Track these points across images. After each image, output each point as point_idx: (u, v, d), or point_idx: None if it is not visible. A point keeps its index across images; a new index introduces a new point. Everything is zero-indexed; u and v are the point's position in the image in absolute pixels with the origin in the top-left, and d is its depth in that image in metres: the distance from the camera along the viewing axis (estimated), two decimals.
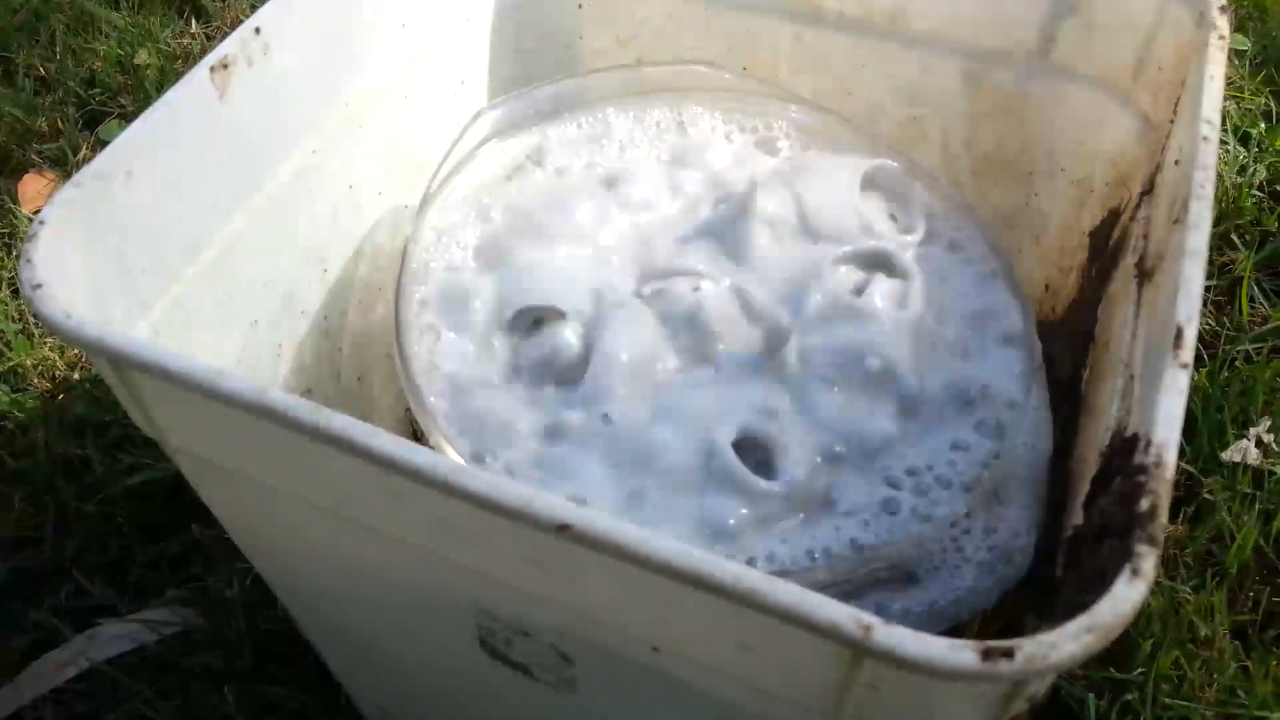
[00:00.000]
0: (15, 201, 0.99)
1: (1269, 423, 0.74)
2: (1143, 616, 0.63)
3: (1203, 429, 0.74)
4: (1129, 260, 0.46)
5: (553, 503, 0.29)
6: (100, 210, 0.40)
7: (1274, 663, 0.61)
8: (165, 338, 0.44)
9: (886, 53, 0.57)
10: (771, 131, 0.54)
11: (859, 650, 0.27)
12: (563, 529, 0.29)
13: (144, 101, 1.09)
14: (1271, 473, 0.71)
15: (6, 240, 0.96)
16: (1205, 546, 0.68)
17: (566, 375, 0.46)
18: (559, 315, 0.47)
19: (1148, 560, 0.28)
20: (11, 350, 0.86)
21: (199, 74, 0.44)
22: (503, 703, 0.46)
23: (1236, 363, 0.79)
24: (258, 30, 0.46)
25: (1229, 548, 0.67)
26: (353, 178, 0.55)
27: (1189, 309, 0.33)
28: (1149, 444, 0.30)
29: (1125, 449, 0.33)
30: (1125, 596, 0.27)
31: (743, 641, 0.31)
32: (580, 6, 0.63)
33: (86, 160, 1.04)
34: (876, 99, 0.59)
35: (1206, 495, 0.70)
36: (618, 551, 0.28)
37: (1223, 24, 0.44)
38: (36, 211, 0.98)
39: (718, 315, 0.46)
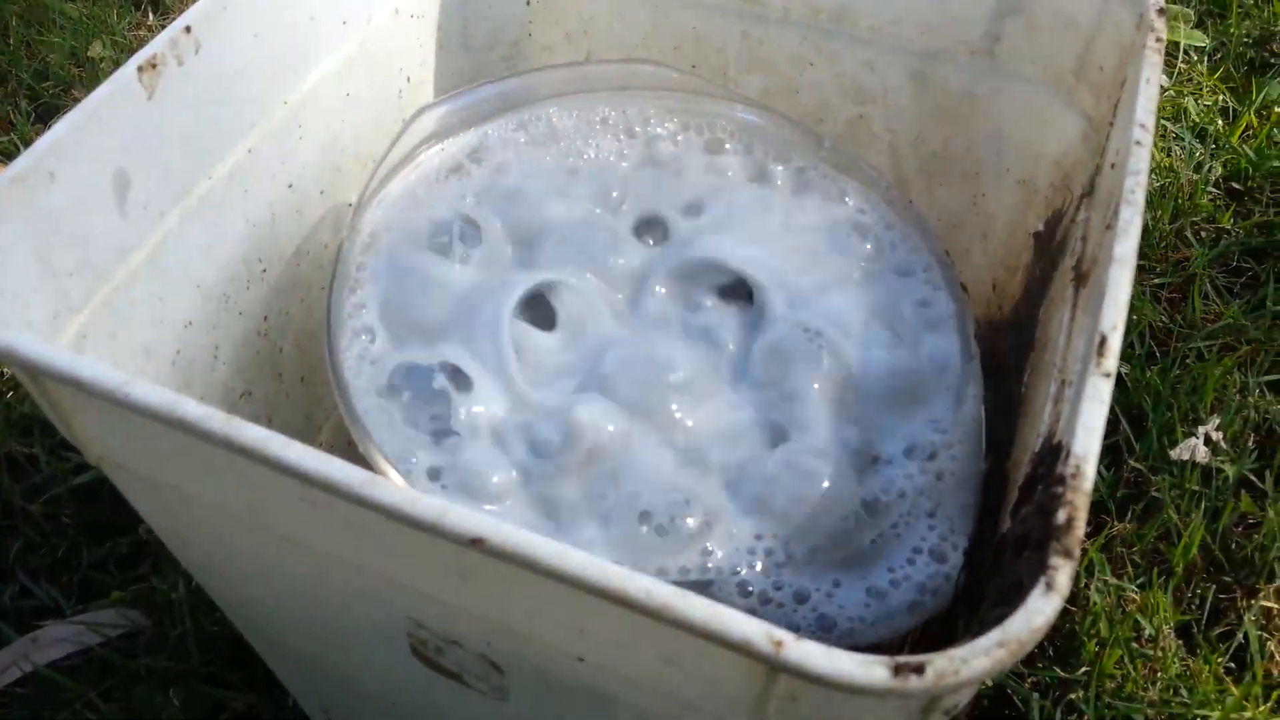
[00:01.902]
0: None
1: (1218, 420, 0.74)
2: (1088, 615, 0.64)
3: (1153, 427, 0.74)
4: (1068, 262, 0.46)
5: (466, 516, 0.29)
6: (21, 213, 0.40)
7: (1217, 660, 0.62)
8: (94, 340, 0.44)
9: (833, 51, 0.57)
10: (716, 134, 0.54)
11: (772, 665, 0.27)
12: (476, 542, 0.28)
13: None
14: (1219, 471, 0.72)
15: None
16: (1153, 544, 0.69)
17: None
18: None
19: (1063, 573, 0.28)
20: None
21: (126, 74, 0.43)
22: (440, 710, 0.46)
23: (1188, 360, 0.79)
24: (188, 29, 0.45)
25: (1175, 546, 0.67)
26: (293, 177, 0.54)
27: (1114, 317, 0.33)
28: (1069, 454, 0.30)
29: (1050, 457, 0.32)
30: (1038, 610, 0.27)
31: (664, 655, 0.30)
32: (528, 3, 0.62)
33: None
34: (823, 97, 0.59)
35: (1155, 494, 0.70)
36: (531, 564, 0.28)
37: (1160, 26, 0.44)
38: None
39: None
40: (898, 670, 0.26)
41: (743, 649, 0.27)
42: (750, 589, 0.41)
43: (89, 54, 1.13)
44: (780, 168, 0.52)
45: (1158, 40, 0.43)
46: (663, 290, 0.48)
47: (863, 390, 0.45)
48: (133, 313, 0.46)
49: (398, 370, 0.45)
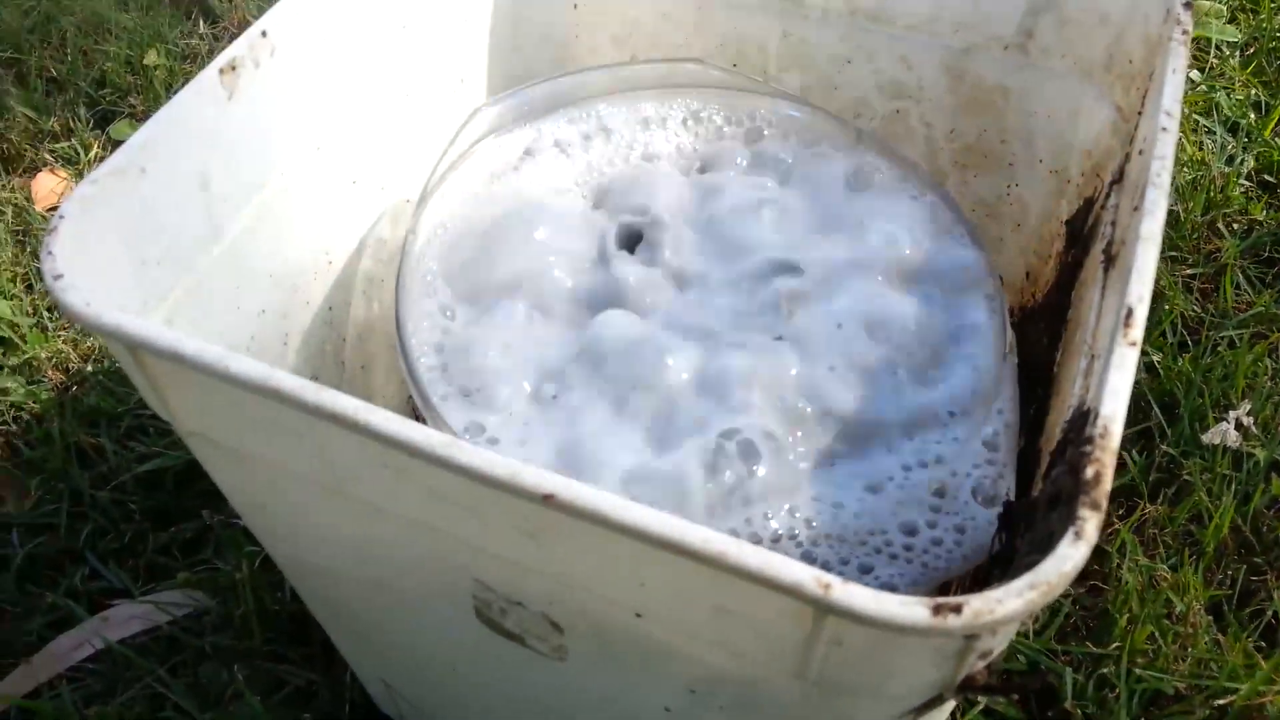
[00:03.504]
0: (30, 200, 1.02)
1: (1248, 406, 0.75)
2: (1120, 594, 0.65)
3: (1185, 412, 0.76)
4: (1099, 246, 0.48)
5: (539, 474, 0.31)
6: (116, 205, 0.43)
7: (1246, 637, 0.63)
8: (179, 326, 0.47)
9: (870, 49, 0.59)
10: (756, 122, 0.57)
11: (820, 607, 0.29)
12: (548, 498, 0.31)
13: (154, 101, 1.12)
14: (1250, 455, 0.73)
15: (21, 237, 0.99)
16: (1184, 526, 0.70)
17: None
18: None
19: (1090, 523, 0.30)
20: (26, 343, 0.88)
21: (209, 75, 0.46)
22: (499, 673, 0.48)
23: (1219, 348, 0.81)
24: (264, 33, 0.48)
25: (1206, 528, 0.69)
26: (355, 173, 0.57)
27: (1140, 290, 0.35)
28: (1096, 416, 0.32)
29: (1079, 423, 0.35)
30: (1067, 556, 0.29)
31: (718, 604, 0.33)
32: (575, 6, 0.65)
33: (98, 159, 1.07)
34: (861, 94, 0.61)
35: (1186, 477, 0.72)
36: (597, 518, 0.31)
37: (1186, 19, 0.46)
38: (50, 209, 1.02)
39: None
40: (937, 610, 0.28)
41: (794, 592, 0.29)
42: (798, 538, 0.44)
43: (144, 62, 1.17)
44: (818, 157, 0.55)
45: (1184, 33, 0.45)
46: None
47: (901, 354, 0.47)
48: (212, 301, 0.49)
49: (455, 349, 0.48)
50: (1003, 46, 0.56)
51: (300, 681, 0.68)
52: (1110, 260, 0.44)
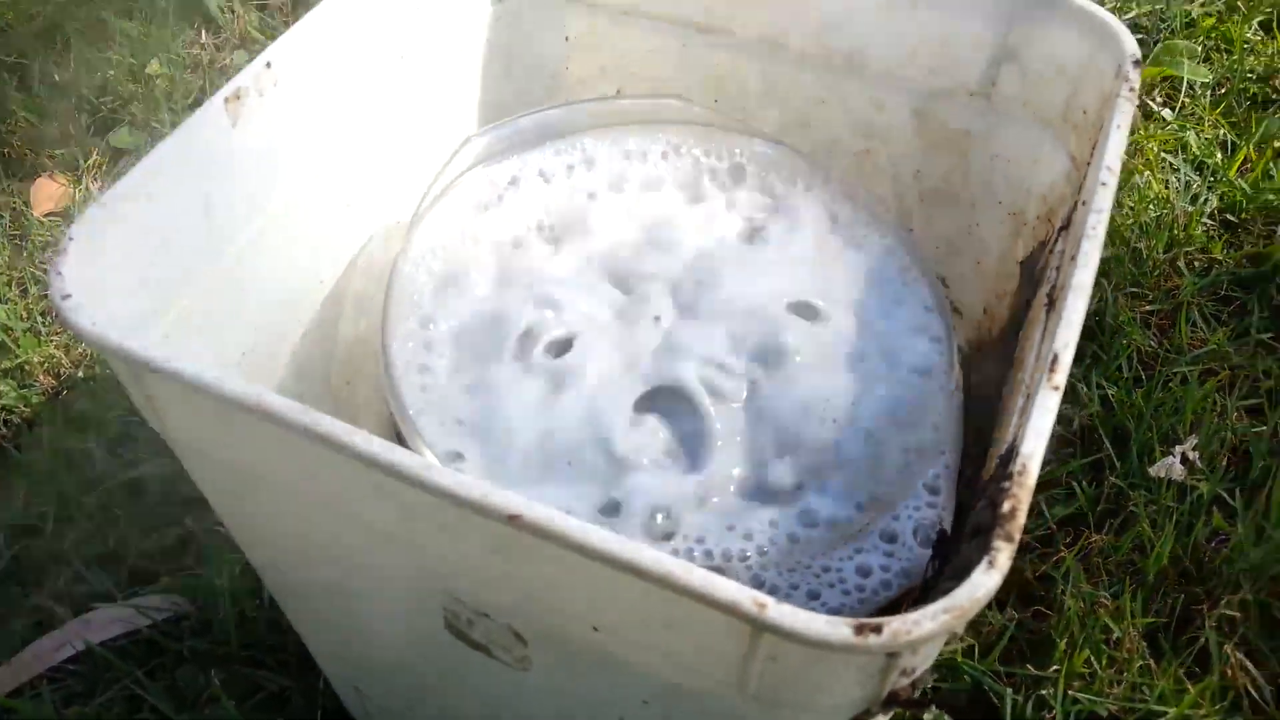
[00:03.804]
0: (28, 205, 1.04)
1: (1195, 441, 0.79)
2: (1062, 619, 0.68)
3: (1134, 445, 0.79)
4: (1044, 289, 0.51)
5: (506, 497, 0.34)
6: (122, 228, 0.45)
7: (1179, 663, 0.66)
8: (175, 342, 0.49)
9: (844, 91, 0.62)
10: (736, 159, 0.60)
11: (756, 625, 0.32)
12: (514, 519, 0.34)
13: (154, 109, 1.15)
14: (1194, 488, 0.76)
15: (18, 241, 1.01)
16: (1128, 556, 0.73)
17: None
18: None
19: (1003, 554, 0.33)
20: (19, 347, 0.91)
21: (215, 104, 0.49)
22: (467, 682, 0.51)
23: (1171, 384, 0.84)
24: (269, 64, 0.51)
25: (1149, 557, 0.72)
26: (350, 196, 0.60)
27: (1067, 337, 0.39)
28: (1017, 455, 0.35)
29: (1005, 460, 0.38)
30: (980, 583, 0.32)
31: (667, 620, 0.36)
32: (567, 39, 0.68)
33: (97, 166, 1.09)
34: (834, 132, 0.64)
35: (1132, 508, 0.75)
36: (559, 539, 0.33)
37: (1134, 78, 0.49)
38: (48, 214, 1.04)
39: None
40: (860, 629, 0.31)
41: (732, 611, 0.32)
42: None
43: (146, 71, 1.20)
44: (788, 194, 0.58)
45: (1130, 90, 0.48)
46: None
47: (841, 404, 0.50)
48: (208, 318, 0.51)
49: (438, 369, 0.51)
50: (968, 93, 0.59)
51: (275, 687, 0.69)
52: (1052, 303, 0.47)
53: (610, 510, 0.48)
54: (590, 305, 0.54)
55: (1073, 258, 0.44)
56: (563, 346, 0.53)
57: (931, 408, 0.50)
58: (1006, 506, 0.34)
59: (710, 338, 0.53)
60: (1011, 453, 0.36)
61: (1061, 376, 0.37)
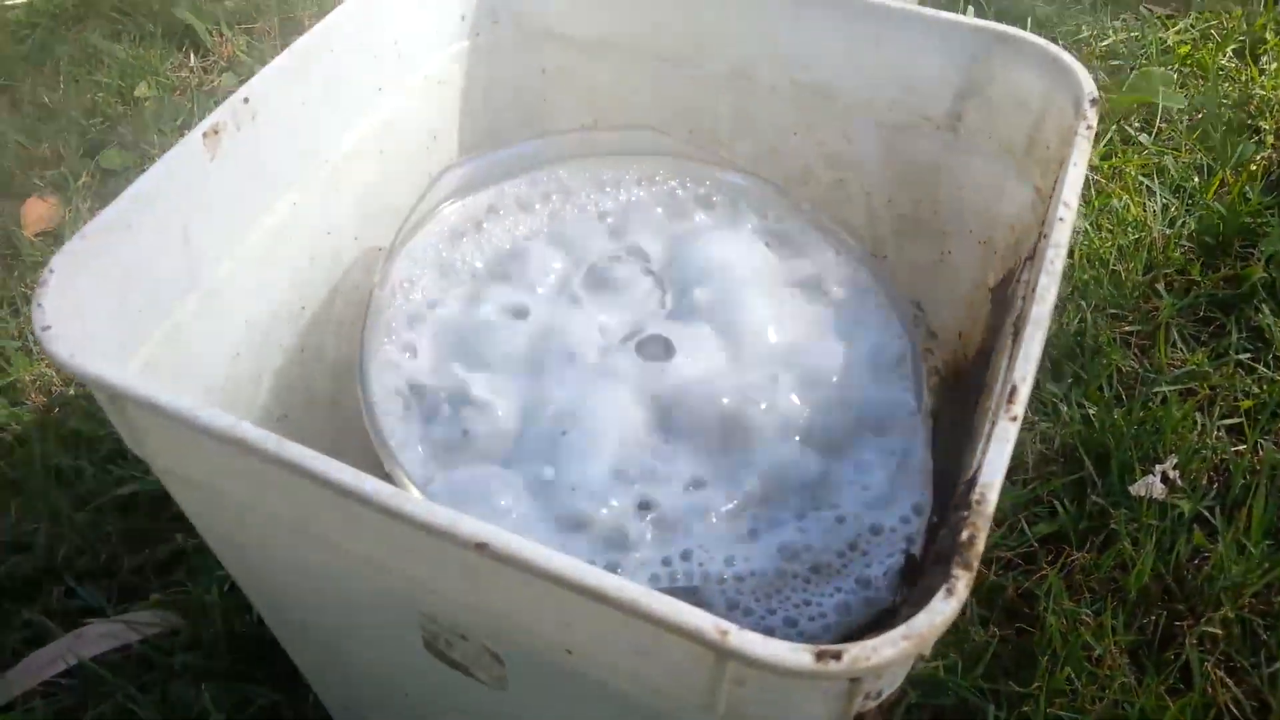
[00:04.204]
0: (18, 225, 1.05)
1: (1175, 460, 0.80)
2: (1045, 636, 0.69)
3: (1115, 465, 0.80)
4: (1010, 318, 0.52)
5: (474, 525, 0.35)
6: (103, 259, 0.46)
7: (1161, 679, 0.67)
8: (157, 369, 0.50)
9: (813, 122, 0.63)
10: (704, 189, 0.61)
11: (719, 651, 0.33)
12: (480, 546, 0.35)
13: (142, 131, 1.16)
14: (1175, 506, 0.77)
15: (10, 261, 1.02)
16: (1110, 573, 0.74)
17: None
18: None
19: (961, 581, 0.34)
20: (11, 366, 0.91)
21: (194, 138, 0.50)
22: (448, 700, 0.52)
23: (1151, 404, 0.85)
24: (246, 100, 0.52)
25: (1130, 575, 0.73)
26: (330, 225, 0.61)
27: (1025, 370, 0.40)
28: (975, 484, 0.36)
29: (968, 488, 0.38)
30: (939, 611, 0.33)
31: (636, 645, 0.36)
32: (544, 71, 0.69)
33: (87, 187, 1.10)
34: (807, 162, 0.65)
35: (1113, 526, 0.76)
36: (525, 566, 0.34)
37: (1091, 116, 0.50)
38: (38, 235, 1.05)
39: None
40: (820, 656, 0.32)
41: (695, 637, 0.33)
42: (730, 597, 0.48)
43: (135, 93, 1.21)
44: (758, 224, 0.59)
45: (1088, 128, 0.50)
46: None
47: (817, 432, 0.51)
48: (189, 344, 0.52)
49: (416, 395, 0.51)
50: (935, 126, 0.60)
51: (265, 702, 0.70)
52: (1017, 333, 0.48)
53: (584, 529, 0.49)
54: (568, 329, 0.55)
55: (1033, 290, 0.45)
56: (541, 369, 0.54)
57: (902, 434, 0.51)
58: (965, 535, 0.35)
59: (696, 363, 0.54)
60: (973, 482, 0.37)
61: (1019, 408, 0.38)
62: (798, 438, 0.51)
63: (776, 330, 0.54)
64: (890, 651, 0.32)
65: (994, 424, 0.38)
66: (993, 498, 0.36)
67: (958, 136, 0.60)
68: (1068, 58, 0.53)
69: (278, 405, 0.61)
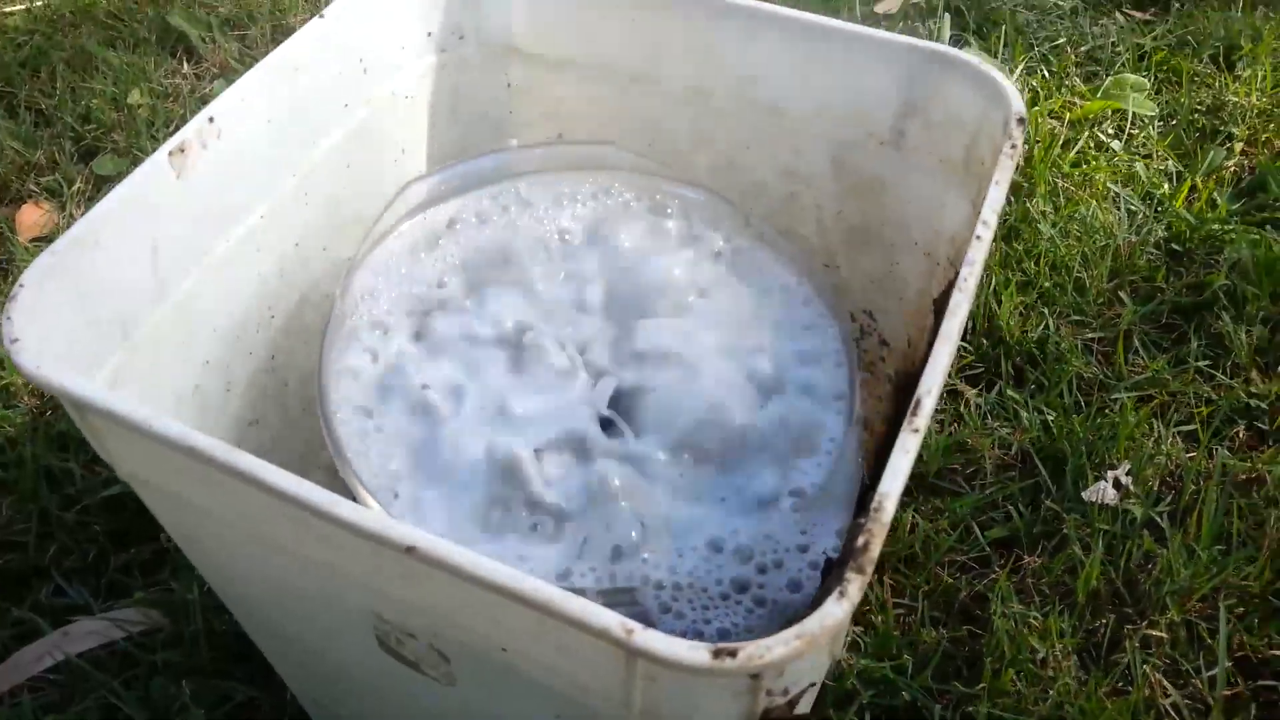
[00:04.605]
0: (13, 231, 1.08)
1: (1128, 466, 0.82)
2: (993, 638, 0.71)
3: (1070, 470, 0.82)
4: None
5: (403, 530, 0.37)
6: (72, 273, 0.49)
7: (1104, 681, 0.69)
8: (126, 375, 0.53)
9: (766, 138, 0.65)
10: (657, 200, 0.63)
11: (626, 649, 0.35)
12: (410, 550, 0.37)
13: (135, 137, 1.18)
14: (1127, 511, 0.79)
15: (4, 266, 1.05)
16: (1060, 577, 0.76)
17: None
18: None
19: (854, 585, 0.36)
20: (5, 369, 0.94)
21: (159, 157, 0.53)
22: (405, 696, 0.54)
23: (1108, 410, 0.87)
24: (211, 119, 0.55)
25: (1079, 578, 0.75)
26: (299, 237, 0.63)
27: (930, 383, 0.42)
28: (876, 493, 0.38)
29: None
30: (830, 612, 0.35)
31: (557, 644, 0.39)
32: (509, 86, 0.71)
33: (81, 193, 1.13)
34: (760, 177, 0.67)
35: (1065, 531, 0.78)
36: (451, 569, 0.37)
37: (1017, 135, 0.52)
38: (33, 240, 1.08)
39: None
40: (716, 654, 0.34)
41: (603, 636, 0.35)
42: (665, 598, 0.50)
43: (128, 100, 1.24)
44: (710, 235, 0.61)
45: (1012, 147, 0.52)
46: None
47: (749, 441, 0.53)
48: (159, 353, 0.55)
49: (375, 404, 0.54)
50: (879, 142, 0.62)
51: (243, 697, 0.73)
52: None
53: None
54: (520, 337, 0.57)
55: (943, 306, 0.47)
56: (490, 380, 0.56)
57: (829, 439, 0.53)
58: (860, 540, 0.37)
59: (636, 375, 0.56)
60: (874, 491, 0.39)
61: (921, 420, 0.40)
62: (726, 433, 0.54)
63: (716, 347, 0.57)
64: (782, 650, 0.34)
65: (898, 434, 0.41)
66: (890, 506, 0.38)
67: (901, 152, 0.62)
68: (999, 77, 0.55)
69: (250, 411, 0.63)
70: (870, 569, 0.36)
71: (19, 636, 0.76)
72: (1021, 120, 0.53)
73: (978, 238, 0.47)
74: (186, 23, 1.33)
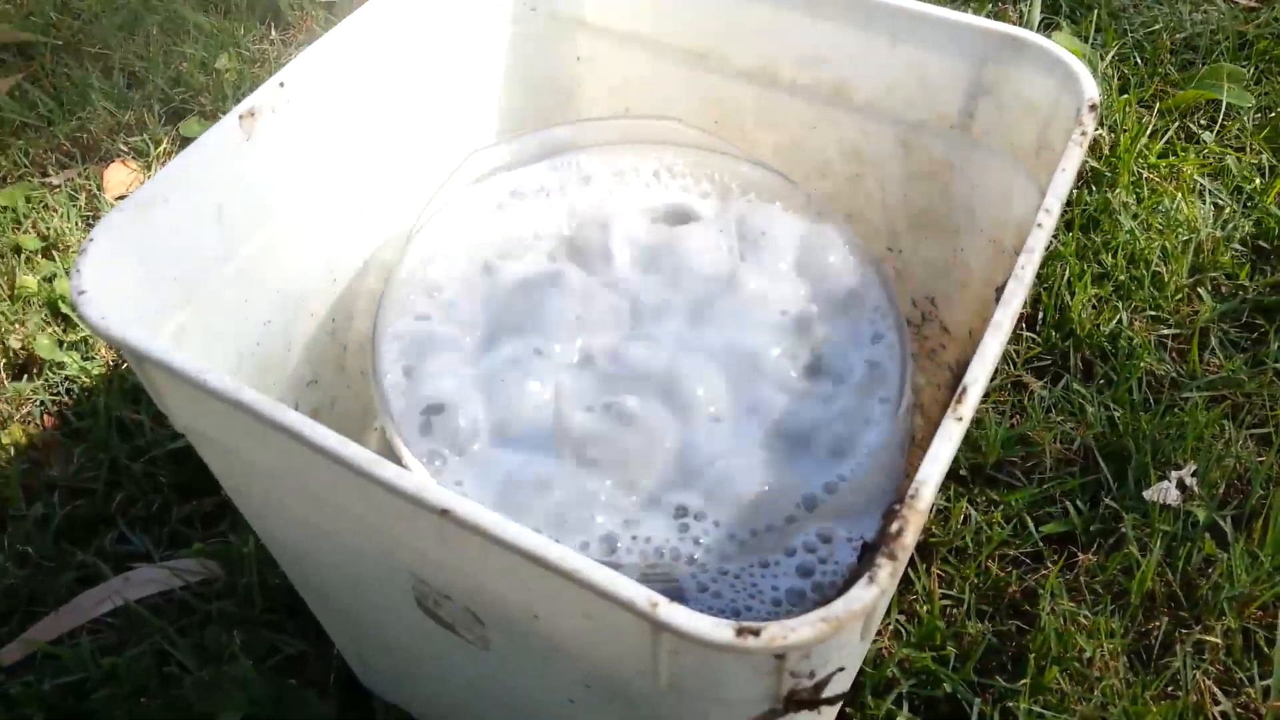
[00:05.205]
0: (101, 188, 1.12)
1: (1194, 467, 0.79)
2: (1040, 635, 0.70)
3: (1132, 468, 0.80)
4: None
5: (440, 493, 0.38)
6: (141, 230, 0.50)
7: (1152, 685, 0.68)
8: (191, 331, 0.54)
9: (832, 118, 0.65)
10: (720, 178, 0.63)
11: (651, 622, 0.35)
12: (444, 513, 0.38)
13: (222, 102, 1.21)
14: (1189, 513, 0.77)
15: (91, 221, 1.08)
16: (1114, 576, 0.75)
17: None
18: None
19: (884, 570, 0.35)
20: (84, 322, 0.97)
21: (230, 120, 0.54)
22: (444, 657, 0.55)
23: (1177, 408, 0.85)
24: (282, 84, 0.56)
25: (1134, 579, 0.73)
26: (364, 202, 0.64)
27: (978, 372, 0.41)
28: (914, 479, 0.38)
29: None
30: (858, 597, 0.35)
31: (585, 612, 0.39)
32: (579, 59, 0.71)
33: (167, 154, 1.16)
34: (825, 157, 0.67)
35: (1123, 530, 0.76)
36: (483, 533, 0.37)
37: (1088, 122, 0.51)
38: (119, 198, 1.11)
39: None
40: (740, 632, 0.34)
41: (629, 607, 0.35)
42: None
43: (216, 65, 1.27)
44: (771, 215, 0.61)
45: (1082, 134, 0.50)
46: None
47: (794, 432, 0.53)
48: (222, 311, 0.56)
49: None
50: (948, 125, 0.61)
51: (292, 650, 0.75)
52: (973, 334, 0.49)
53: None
54: (575, 318, 0.58)
55: (999, 294, 0.46)
56: (544, 355, 0.56)
57: (880, 426, 0.52)
58: (894, 527, 0.37)
59: (695, 360, 0.56)
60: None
61: (966, 409, 0.40)
62: (781, 421, 0.53)
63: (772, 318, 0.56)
64: (808, 631, 0.34)
65: (942, 422, 0.40)
66: (927, 494, 0.38)
67: (970, 136, 0.61)
68: (1073, 61, 0.54)
69: (309, 370, 0.65)
70: (903, 555, 0.36)
71: (82, 580, 0.79)
72: (1094, 106, 0.52)
73: (1039, 225, 0.46)
74: None
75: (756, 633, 0.34)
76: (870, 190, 0.66)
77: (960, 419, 0.40)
